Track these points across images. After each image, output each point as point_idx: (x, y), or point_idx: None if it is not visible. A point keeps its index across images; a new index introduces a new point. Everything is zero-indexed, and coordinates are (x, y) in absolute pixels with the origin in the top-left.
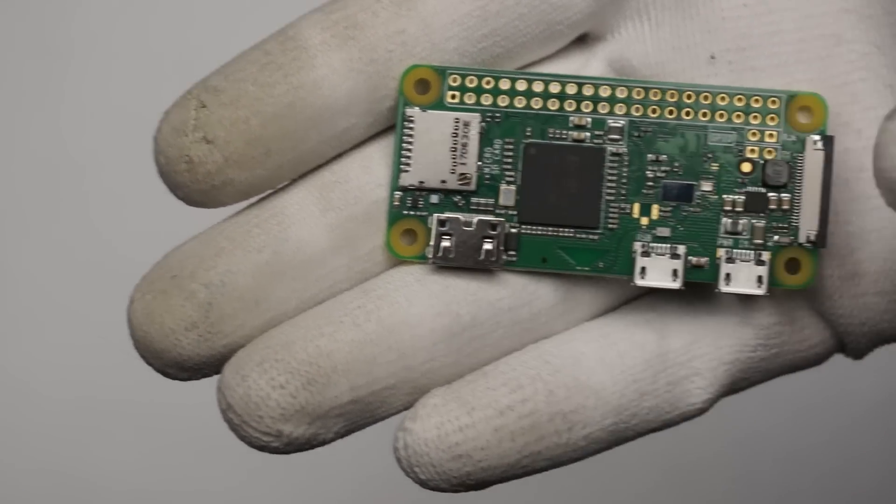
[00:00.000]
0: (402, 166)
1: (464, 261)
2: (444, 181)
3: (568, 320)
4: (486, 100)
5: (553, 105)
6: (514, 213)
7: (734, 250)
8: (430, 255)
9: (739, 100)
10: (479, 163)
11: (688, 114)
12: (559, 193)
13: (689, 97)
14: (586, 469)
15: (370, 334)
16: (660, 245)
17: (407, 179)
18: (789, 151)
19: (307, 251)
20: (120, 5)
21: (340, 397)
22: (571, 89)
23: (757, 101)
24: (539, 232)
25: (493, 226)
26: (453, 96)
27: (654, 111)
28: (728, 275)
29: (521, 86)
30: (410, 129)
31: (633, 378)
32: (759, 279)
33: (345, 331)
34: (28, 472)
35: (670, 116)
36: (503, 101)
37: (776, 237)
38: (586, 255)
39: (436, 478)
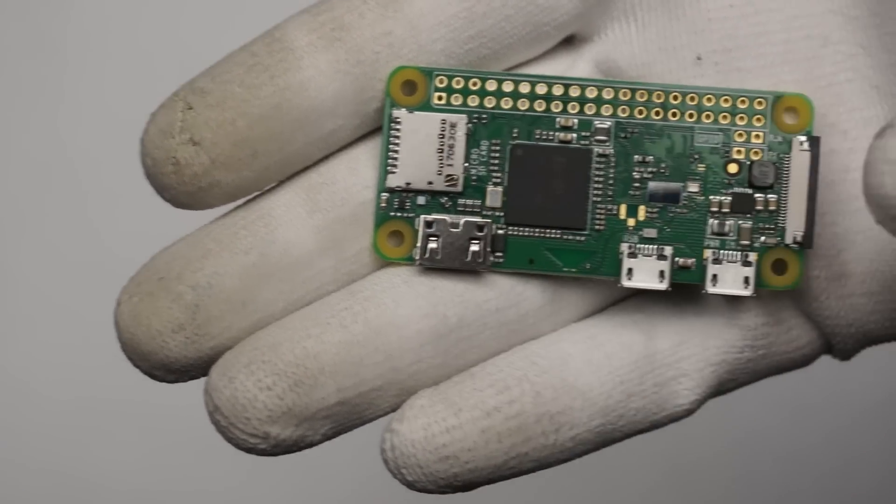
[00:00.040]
0: (388, 168)
1: (451, 262)
2: (430, 182)
3: (555, 321)
4: (473, 101)
5: (540, 106)
6: (501, 214)
7: (721, 251)
8: (417, 257)
9: (726, 101)
10: (466, 164)
11: (674, 115)
12: (546, 195)
13: (675, 98)
14: (586, 469)
15: (357, 336)
16: (646, 246)
17: (394, 181)
18: (776, 152)
19: (294, 253)
20: (113, 5)
21: (327, 399)
22: (558, 90)
23: (743, 102)
24: (526, 233)
25: (480, 227)
26: (440, 97)
27: (640, 112)
28: (715, 276)
29: (508, 87)
30: (397, 130)
31: (621, 379)
32: (746, 280)
33: (332, 332)
34: (28, 472)
35: (657, 117)
36: (490, 103)
37: (763, 238)
38: (573, 257)
39: (423, 479)
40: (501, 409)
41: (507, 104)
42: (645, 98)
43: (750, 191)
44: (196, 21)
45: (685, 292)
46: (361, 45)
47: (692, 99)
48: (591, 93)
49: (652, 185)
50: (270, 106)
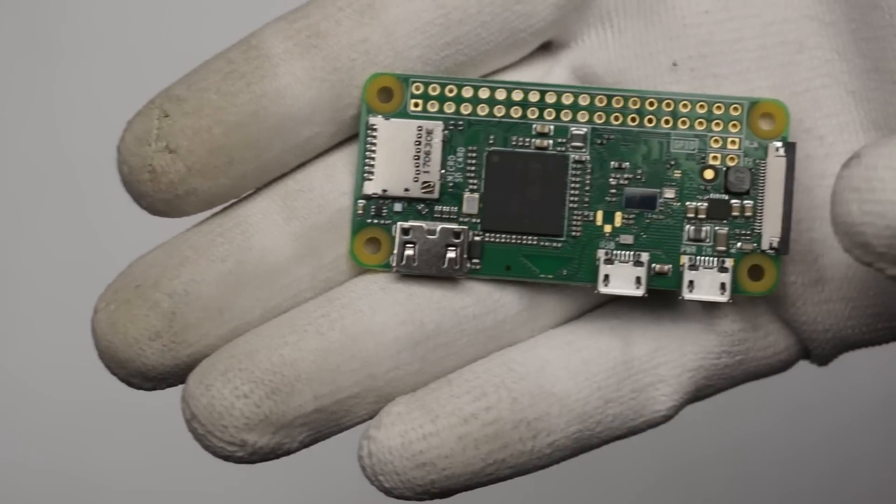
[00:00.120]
0: (365, 175)
1: (427, 269)
2: (407, 189)
3: (532, 328)
4: (449, 108)
5: (516, 113)
6: (478, 221)
7: (697, 257)
8: (394, 264)
9: (702, 107)
10: (443, 171)
11: (650, 121)
12: (522, 201)
13: (651, 104)
14: (586, 469)
15: (334, 343)
16: (623, 252)
17: (370, 188)
18: (751, 158)
19: (271, 260)
20: (105, 6)
21: (304, 406)
22: (534, 97)
23: (719, 107)
24: (503, 240)
25: (457, 234)
26: (416, 104)
27: (616, 118)
28: (691, 282)
29: (484, 94)
30: (374, 137)
31: (598, 385)
32: (723, 286)
33: (308, 340)
34: (28, 472)
35: (633, 124)
36: (466, 109)
37: (739, 244)
38: (550, 263)
39: (400, 486)
40: (478, 415)
41: (483, 111)
42: (621, 104)
43: (726, 197)
44: (194, 21)
45: (662, 298)
46: (338, 53)
47: (668, 105)
48: (568, 99)
49: (628, 191)
50: (247, 113)
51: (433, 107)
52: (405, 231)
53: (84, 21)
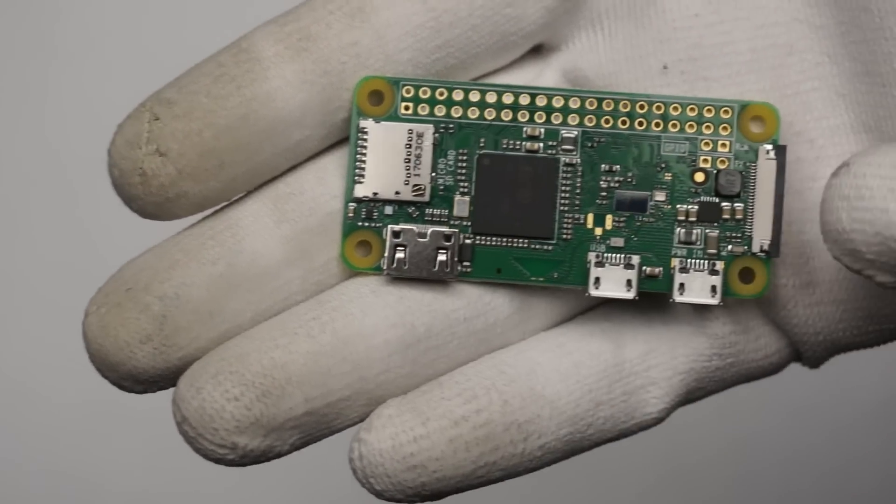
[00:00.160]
0: (356, 178)
1: (418, 272)
2: (398, 192)
3: (523, 331)
4: (440, 111)
5: (506, 116)
6: (469, 223)
7: (688, 260)
8: (385, 267)
9: (692, 109)
10: (433, 174)
11: (641, 124)
12: (513, 204)
13: (641, 107)
14: (584, 470)
15: (325, 346)
16: (614, 255)
17: (361, 191)
18: (742, 161)
19: (262, 263)
20: (97, 9)
21: (295, 409)
22: (525, 100)
23: (709, 110)
24: (493, 243)
25: (448, 237)
26: (407, 107)
27: (607, 121)
28: (682, 284)
29: (475, 97)
30: (364, 140)
31: (589, 388)
32: (713, 289)
33: (299, 342)
34: (28, 472)
35: (623, 127)
36: (457, 112)
37: (730, 247)
38: (541, 266)
39: (391, 488)
40: (469, 418)
41: (473, 114)
42: (611, 107)
43: (716, 199)
44: (185, 24)
45: (653, 301)
46: (328, 56)
47: (658, 108)
48: (558, 102)
49: (619, 194)
50: (237, 116)
51: (424, 110)
52: (396, 234)
53: (75, 24)
